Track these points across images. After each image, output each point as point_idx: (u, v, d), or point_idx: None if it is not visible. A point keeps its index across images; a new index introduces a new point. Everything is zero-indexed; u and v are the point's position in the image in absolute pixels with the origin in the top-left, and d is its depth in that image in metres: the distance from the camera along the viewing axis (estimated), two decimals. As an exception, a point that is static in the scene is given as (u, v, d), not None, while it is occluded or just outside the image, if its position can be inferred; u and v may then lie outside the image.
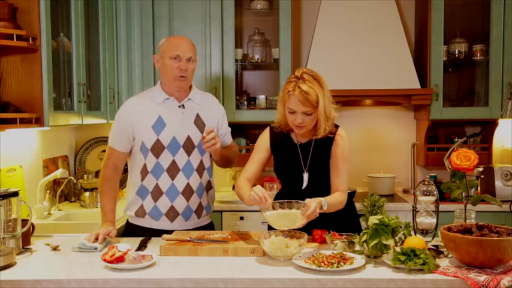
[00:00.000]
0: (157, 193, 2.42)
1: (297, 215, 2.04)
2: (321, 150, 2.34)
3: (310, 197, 2.18)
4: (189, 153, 2.45)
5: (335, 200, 2.24)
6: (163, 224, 2.44)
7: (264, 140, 2.43)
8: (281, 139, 2.40)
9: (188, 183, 2.44)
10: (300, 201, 2.10)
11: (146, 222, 2.46)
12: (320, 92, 2.20)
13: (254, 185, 2.21)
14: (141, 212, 2.45)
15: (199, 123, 2.47)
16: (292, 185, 2.39)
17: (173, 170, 2.42)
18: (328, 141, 2.33)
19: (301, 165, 2.35)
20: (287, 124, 2.32)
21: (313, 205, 2.05)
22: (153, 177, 2.42)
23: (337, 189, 2.31)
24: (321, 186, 2.34)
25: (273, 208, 2.09)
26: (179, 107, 2.46)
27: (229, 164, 2.63)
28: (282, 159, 2.41)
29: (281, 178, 2.46)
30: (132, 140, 2.43)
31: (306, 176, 2.35)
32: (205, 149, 2.37)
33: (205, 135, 2.34)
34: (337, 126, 2.38)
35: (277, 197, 2.46)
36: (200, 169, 2.48)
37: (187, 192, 2.45)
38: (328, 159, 2.34)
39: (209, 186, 2.56)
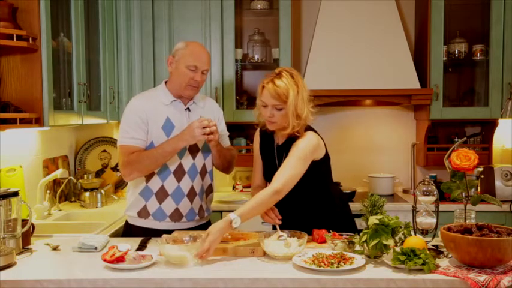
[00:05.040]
0: (162, 195, 2.43)
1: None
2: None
3: (284, 198, 2.15)
4: (194, 156, 2.46)
5: (254, 201, 2.11)
6: (165, 224, 2.45)
7: (256, 144, 2.48)
8: (267, 140, 2.42)
9: (192, 186, 2.46)
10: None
11: (148, 223, 2.46)
12: (293, 88, 2.19)
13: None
14: (144, 213, 2.45)
15: None
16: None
17: (180, 173, 2.43)
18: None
19: (276, 166, 2.34)
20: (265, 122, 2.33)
21: (206, 245, 1.93)
22: (159, 178, 2.42)
23: (272, 181, 2.19)
24: (293, 188, 2.23)
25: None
26: (185, 110, 2.48)
27: (228, 168, 2.63)
28: (264, 161, 2.44)
29: (266, 179, 2.46)
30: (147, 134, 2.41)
31: None
32: (203, 135, 2.30)
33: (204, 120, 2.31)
34: (310, 129, 2.32)
35: None
36: (203, 172, 2.51)
37: (192, 194, 2.47)
38: None
39: (210, 190, 2.59)
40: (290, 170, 2.16)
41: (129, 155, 2.36)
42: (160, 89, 2.51)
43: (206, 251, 1.93)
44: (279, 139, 2.38)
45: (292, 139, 2.28)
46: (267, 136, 2.42)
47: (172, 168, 2.42)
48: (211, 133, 2.31)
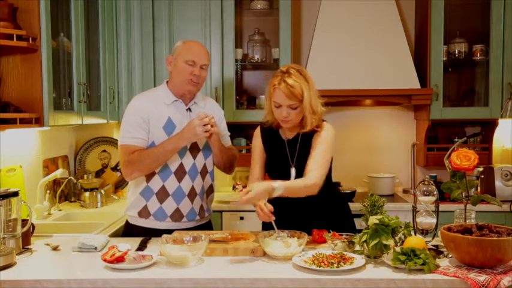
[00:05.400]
0: (163, 195, 2.43)
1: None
2: (307, 144, 2.34)
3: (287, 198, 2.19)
4: (194, 156, 2.46)
5: (295, 184, 2.19)
6: (166, 224, 2.45)
7: (257, 141, 2.46)
8: (271, 136, 2.42)
9: (193, 186, 2.47)
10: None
11: (149, 223, 2.46)
12: (305, 85, 2.22)
13: None
14: (145, 213, 2.45)
15: None
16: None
17: (180, 173, 2.43)
18: (313, 135, 2.32)
19: (288, 160, 2.36)
20: (275, 119, 2.33)
21: (248, 196, 2.03)
22: (160, 178, 2.42)
23: (305, 174, 2.22)
24: None
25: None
26: (186, 110, 2.48)
27: (229, 168, 2.62)
28: (271, 156, 2.43)
29: (270, 174, 2.47)
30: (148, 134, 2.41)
31: (293, 171, 2.35)
32: (204, 133, 2.31)
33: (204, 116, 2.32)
34: (324, 121, 2.37)
35: None
36: (203, 172, 2.51)
37: (192, 194, 2.47)
38: None
39: (210, 190, 2.59)
40: (322, 161, 2.24)
41: (130, 155, 2.37)
42: (161, 88, 2.51)
43: (245, 203, 2.04)
44: (287, 134, 2.38)
45: (304, 133, 2.30)
46: (272, 132, 2.41)
47: (173, 168, 2.42)
48: (211, 126, 2.32)
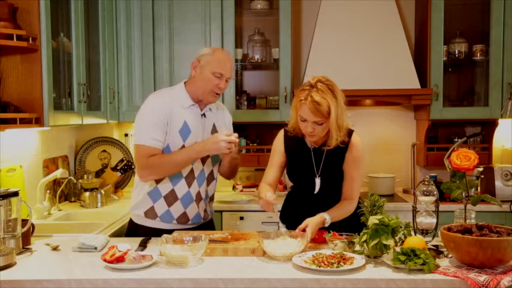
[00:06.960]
0: (172, 198, 2.42)
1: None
2: (334, 156, 2.34)
3: (322, 202, 2.26)
4: (203, 162, 2.46)
5: (341, 211, 2.28)
6: (172, 225, 2.45)
7: (278, 144, 2.45)
8: (295, 142, 2.41)
9: (199, 191, 2.47)
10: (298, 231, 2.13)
11: (155, 224, 2.45)
12: (333, 102, 2.19)
13: (275, 189, 2.37)
14: (151, 214, 2.45)
15: (214, 132, 2.49)
16: (305, 189, 2.41)
17: (190, 178, 2.43)
18: (342, 148, 2.33)
19: (313, 169, 2.36)
20: (300, 129, 2.33)
21: (309, 234, 2.09)
22: (170, 182, 2.41)
23: (346, 197, 2.33)
24: (333, 192, 2.37)
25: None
26: (201, 115, 2.46)
27: (232, 174, 2.64)
28: (295, 163, 2.42)
29: (293, 181, 2.48)
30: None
31: (318, 181, 2.36)
32: (226, 149, 2.32)
33: (230, 134, 2.35)
34: (351, 131, 2.37)
35: (290, 200, 2.47)
36: (210, 179, 2.52)
37: (198, 199, 2.48)
38: (341, 165, 2.35)
39: (212, 197, 2.60)
40: (358, 182, 2.36)
41: (149, 158, 2.33)
42: (179, 90, 2.45)
43: (310, 237, 2.10)
44: (314, 142, 2.38)
45: (328, 148, 2.31)
46: (298, 138, 2.40)
47: (185, 173, 2.41)
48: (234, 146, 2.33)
